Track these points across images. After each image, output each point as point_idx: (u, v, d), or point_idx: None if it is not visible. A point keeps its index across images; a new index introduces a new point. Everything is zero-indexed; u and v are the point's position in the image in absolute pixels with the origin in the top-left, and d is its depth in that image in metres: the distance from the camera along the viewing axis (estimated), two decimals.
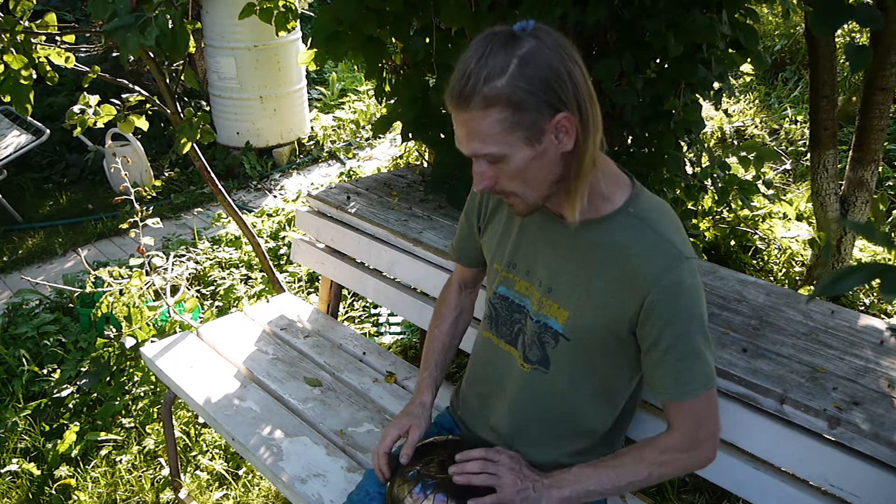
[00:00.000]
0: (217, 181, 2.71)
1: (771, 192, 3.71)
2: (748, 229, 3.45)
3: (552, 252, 1.28)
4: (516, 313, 1.35)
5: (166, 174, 4.96)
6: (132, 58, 1.96)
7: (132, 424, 2.57)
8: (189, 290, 3.21)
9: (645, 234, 1.19)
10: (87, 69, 2.57)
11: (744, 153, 2.37)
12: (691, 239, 2.45)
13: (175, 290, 2.99)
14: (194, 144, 2.49)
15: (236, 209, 2.80)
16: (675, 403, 1.22)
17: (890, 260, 3.29)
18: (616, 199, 1.22)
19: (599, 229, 1.22)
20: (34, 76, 2.38)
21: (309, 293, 3.40)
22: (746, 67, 4.47)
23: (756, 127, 5.21)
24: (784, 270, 3.30)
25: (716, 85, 2.26)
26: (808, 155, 3.13)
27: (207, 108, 5.25)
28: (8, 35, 2.28)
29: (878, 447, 1.25)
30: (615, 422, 1.38)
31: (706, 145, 3.19)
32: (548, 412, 1.35)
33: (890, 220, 3.75)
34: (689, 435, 1.23)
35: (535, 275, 1.31)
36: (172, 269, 3.07)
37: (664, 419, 1.27)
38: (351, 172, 4.97)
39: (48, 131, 4.36)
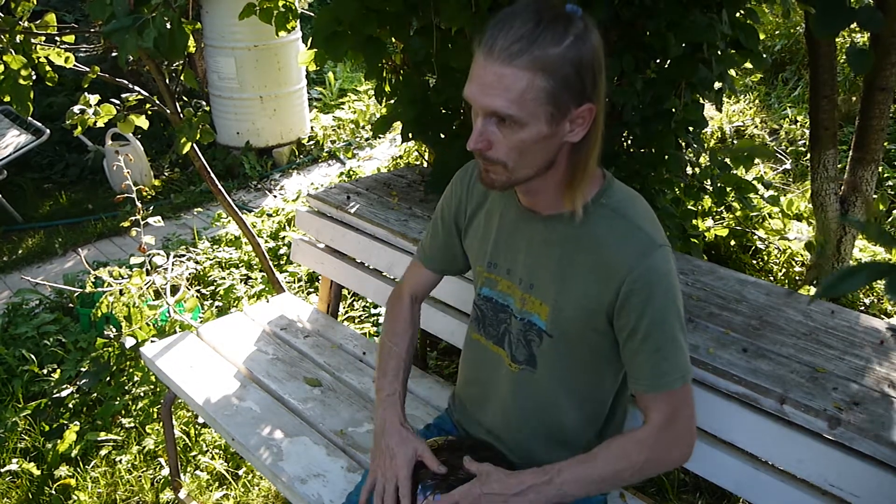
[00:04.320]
0: (217, 181, 2.71)
1: (771, 192, 3.71)
2: (748, 229, 3.45)
3: (529, 248, 1.28)
4: (501, 313, 1.35)
5: (166, 174, 4.96)
6: (130, 59, 1.96)
7: (132, 424, 2.57)
8: (189, 289, 3.21)
9: (617, 224, 1.19)
10: (87, 69, 2.57)
11: (737, 152, 2.38)
12: (692, 239, 2.46)
13: (175, 289, 2.99)
14: (194, 144, 2.49)
15: (236, 209, 2.80)
16: (653, 395, 1.20)
17: (890, 260, 3.29)
18: (589, 190, 1.22)
19: (573, 222, 1.22)
20: (34, 76, 2.38)
21: (309, 293, 3.40)
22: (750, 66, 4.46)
23: (756, 127, 5.21)
24: (784, 270, 3.30)
25: (717, 85, 2.26)
26: (808, 155, 3.13)
27: (207, 108, 5.24)
28: (8, 35, 2.29)
29: (878, 447, 1.25)
30: (605, 426, 1.37)
31: (706, 145, 3.19)
32: (538, 414, 1.35)
33: (890, 219, 3.75)
34: (667, 428, 1.21)
35: (516, 273, 1.31)
36: (172, 269, 3.07)
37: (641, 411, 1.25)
38: (351, 172, 4.97)
39: (48, 131, 4.36)
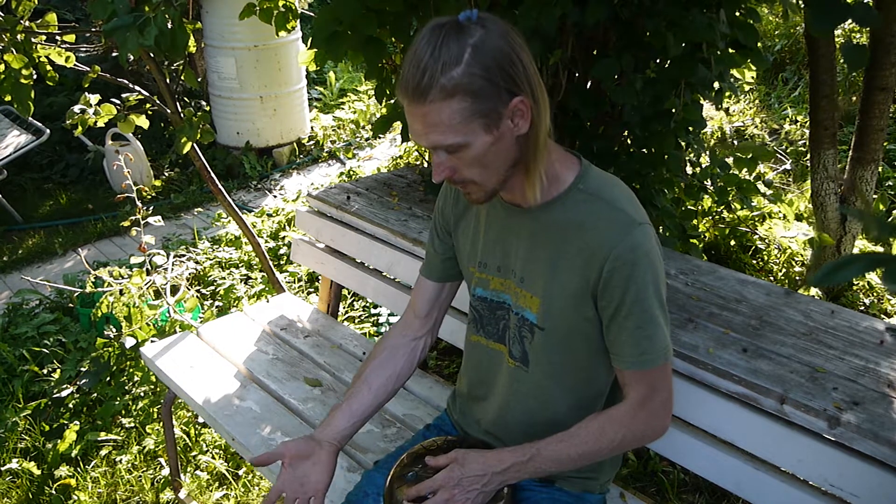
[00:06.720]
0: (217, 181, 2.71)
1: (771, 192, 3.71)
2: (748, 229, 3.45)
3: (517, 242, 1.30)
4: (499, 310, 1.36)
5: (166, 174, 4.96)
6: (131, 57, 1.97)
7: (132, 424, 2.57)
8: (189, 289, 3.21)
9: (597, 207, 1.21)
10: (87, 69, 2.57)
11: (739, 154, 2.38)
12: (692, 239, 2.46)
13: (175, 289, 3.00)
14: (194, 144, 2.49)
15: (236, 209, 2.80)
16: (632, 372, 1.23)
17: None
18: (566, 178, 1.24)
19: (554, 209, 1.24)
20: (34, 76, 2.38)
21: (309, 293, 3.40)
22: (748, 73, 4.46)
23: (756, 127, 5.21)
24: (784, 270, 3.30)
25: (716, 85, 2.26)
26: (808, 155, 3.13)
27: (207, 108, 5.24)
28: (8, 35, 2.29)
29: (878, 447, 1.25)
30: None
31: (706, 145, 3.19)
32: (532, 411, 1.35)
33: (890, 219, 3.76)
34: (644, 406, 1.24)
35: (509, 268, 1.32)
36: (172, 269, 3.07)
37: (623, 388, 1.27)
38: (351, 172, 4.97)
39: (48, 131, 4.36)
